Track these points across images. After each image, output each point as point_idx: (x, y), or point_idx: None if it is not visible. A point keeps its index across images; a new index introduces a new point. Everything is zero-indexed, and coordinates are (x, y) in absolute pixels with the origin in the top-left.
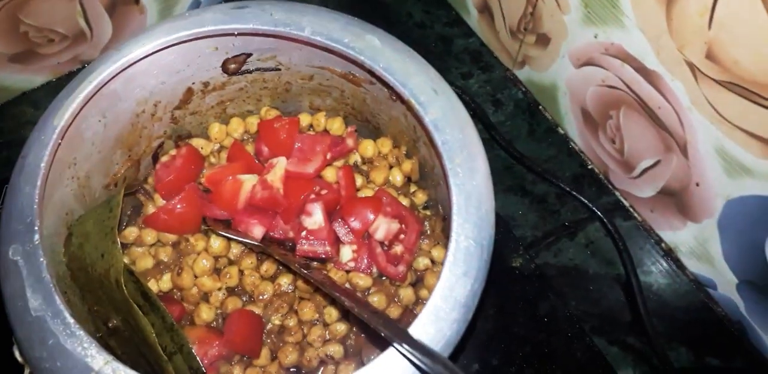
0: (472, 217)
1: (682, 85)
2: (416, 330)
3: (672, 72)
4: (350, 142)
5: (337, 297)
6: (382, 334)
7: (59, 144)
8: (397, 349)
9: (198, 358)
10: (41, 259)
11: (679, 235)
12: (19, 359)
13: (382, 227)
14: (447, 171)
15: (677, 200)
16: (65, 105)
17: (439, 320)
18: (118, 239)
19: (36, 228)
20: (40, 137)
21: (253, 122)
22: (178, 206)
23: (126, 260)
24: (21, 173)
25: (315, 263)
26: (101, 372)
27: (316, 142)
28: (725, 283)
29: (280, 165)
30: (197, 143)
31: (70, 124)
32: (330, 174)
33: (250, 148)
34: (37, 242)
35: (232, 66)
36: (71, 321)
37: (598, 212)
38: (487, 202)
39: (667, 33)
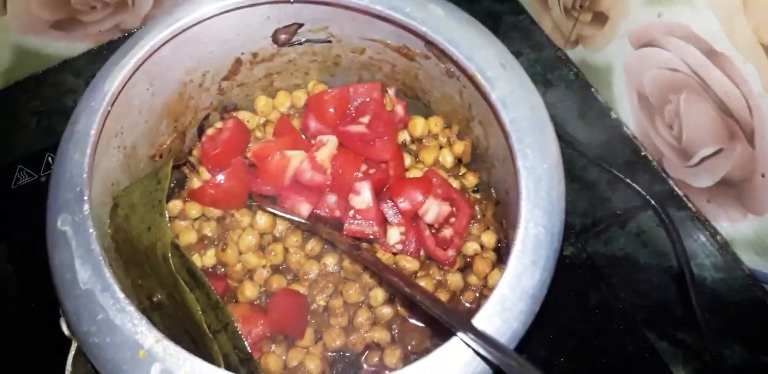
0: (542, 202)
1: (755, 70)
2: (481, 320)
3: (744, 55)
4: (400, 110)
5: (396, 283)
6: (446, 324)
7: (109, 111)
8: (462, 339)
9: (242, 337)
10: (90, 230)
11: (737, 227)
12: (66, 332)
13: (433, 209)
14: (515, 152)
15: (738, 191)
16: (116, 70)
17: (505, 311)
18: (166, 212)
19: (85, 198)
20: (90, 103)
21: (299, 96)
22: (225, 180)
23: None
24: (70, 140)
25: (363, 243)
26: (151, 350)
27: (370, 90)
28: None
29: (330, 144)
30: (243, 116)
31: (120, 91)
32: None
33: (295, 123)
34: (86, 213)
35: (283, 36)
36: (121, 295)
37: (652, 201)
38: (558, 187)
39: (742, 12)
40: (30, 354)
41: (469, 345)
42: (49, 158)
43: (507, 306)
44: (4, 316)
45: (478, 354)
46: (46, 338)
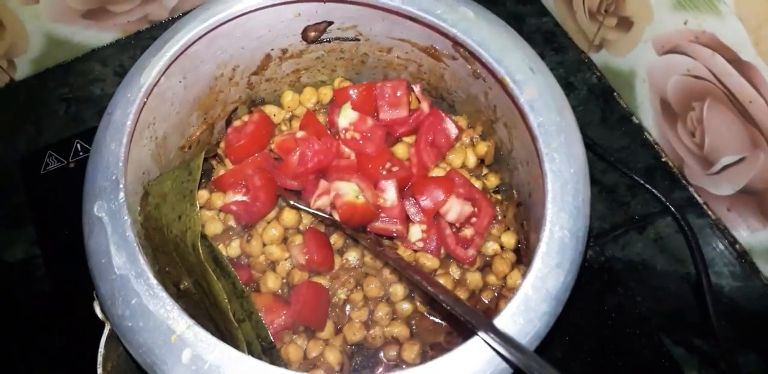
0: (568, 206)
1: None
2: (504, 319)
3: None
4: (425, 107)
5: (418, 281)
6: (467, 323)
7: (144, 103)
8: (483, 339)
9: (266, 326)
10: (126, 217)
11: (757, 237)
12: (100, 316)
13: (455, 208)
14: (542, 156)
15: (759, 200)
16: (152, 63)
17: (529, 311)
18: (197, 202)
19: (121, 186)
20: (126, 94)
21: (326, 92)
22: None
23: None
24: (107, 130)
25: (384, 240)
26: (183, 336)
27: (396, 88)
28: None
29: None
30: (270, 110)
31: (156, 83)
32: (401, 151)
33: (320, 118)
34: (122, 200)
35: (312, 34)
36: (154, 281)
37: (671, 207)
38: (584, 191)
39: None
40: (61, 336)
41: (489, 345)
42: (78, 145)
43: (531, 306)
44: (33, 298)
45: (498, 353)
46: (75, 320)
